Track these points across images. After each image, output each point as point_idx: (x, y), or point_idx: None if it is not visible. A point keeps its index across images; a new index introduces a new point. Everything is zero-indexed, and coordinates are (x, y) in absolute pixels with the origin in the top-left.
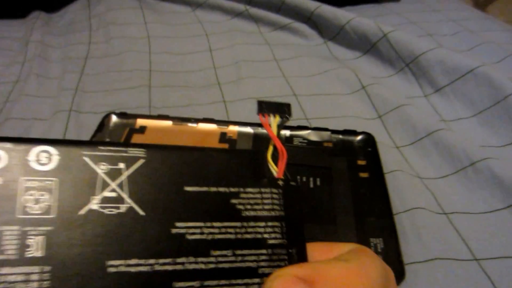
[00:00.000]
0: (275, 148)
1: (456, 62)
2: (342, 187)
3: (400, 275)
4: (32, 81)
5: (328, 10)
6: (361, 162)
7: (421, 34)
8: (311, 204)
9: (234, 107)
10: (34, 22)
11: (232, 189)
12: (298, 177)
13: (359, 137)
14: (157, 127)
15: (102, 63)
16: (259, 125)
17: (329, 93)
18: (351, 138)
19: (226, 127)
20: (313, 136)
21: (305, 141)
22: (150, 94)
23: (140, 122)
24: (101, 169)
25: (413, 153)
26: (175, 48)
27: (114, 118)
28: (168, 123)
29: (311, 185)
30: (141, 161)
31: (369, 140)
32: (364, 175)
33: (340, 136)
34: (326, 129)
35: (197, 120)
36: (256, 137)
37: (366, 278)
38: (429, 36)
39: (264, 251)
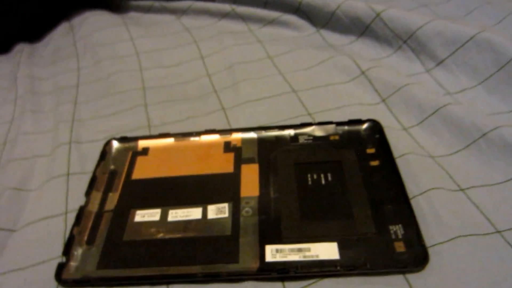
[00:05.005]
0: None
1: (455, 32)
2: (355, 179)
3: (424, 259)
4: (28, 118)
5: None
6: (370, 151)
7: (414, 6)
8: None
9: (234, 113)
10: (19, 56)
11: None
12: (309, 175)
13: (365, 126)
14: (160, 147)
15: (94, 89)
16: (262, 128)
17: (329, 84)
18: (357, 127)
19: (229, 135)
20: (318, 131)
21: (311, 137)
22: (148, 112)
23: (142, 144)
24: None
25: (422, 133)
26: (165, 60)
27: (115, 144)
28: (170, 140)
29: (323, 182)
30: None
31: (376, 127)
32: (375, 163)
33: (346, 127)
34: (330, 122)
35: (199, 133)
36: (260, 141)
37: None
38: (424, 7)
39: None
